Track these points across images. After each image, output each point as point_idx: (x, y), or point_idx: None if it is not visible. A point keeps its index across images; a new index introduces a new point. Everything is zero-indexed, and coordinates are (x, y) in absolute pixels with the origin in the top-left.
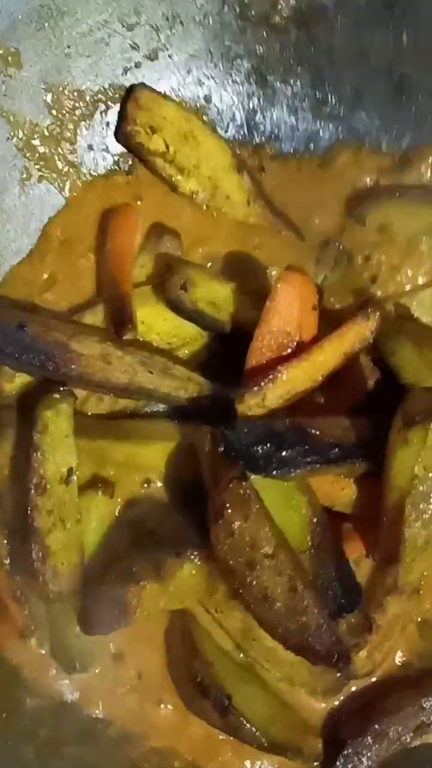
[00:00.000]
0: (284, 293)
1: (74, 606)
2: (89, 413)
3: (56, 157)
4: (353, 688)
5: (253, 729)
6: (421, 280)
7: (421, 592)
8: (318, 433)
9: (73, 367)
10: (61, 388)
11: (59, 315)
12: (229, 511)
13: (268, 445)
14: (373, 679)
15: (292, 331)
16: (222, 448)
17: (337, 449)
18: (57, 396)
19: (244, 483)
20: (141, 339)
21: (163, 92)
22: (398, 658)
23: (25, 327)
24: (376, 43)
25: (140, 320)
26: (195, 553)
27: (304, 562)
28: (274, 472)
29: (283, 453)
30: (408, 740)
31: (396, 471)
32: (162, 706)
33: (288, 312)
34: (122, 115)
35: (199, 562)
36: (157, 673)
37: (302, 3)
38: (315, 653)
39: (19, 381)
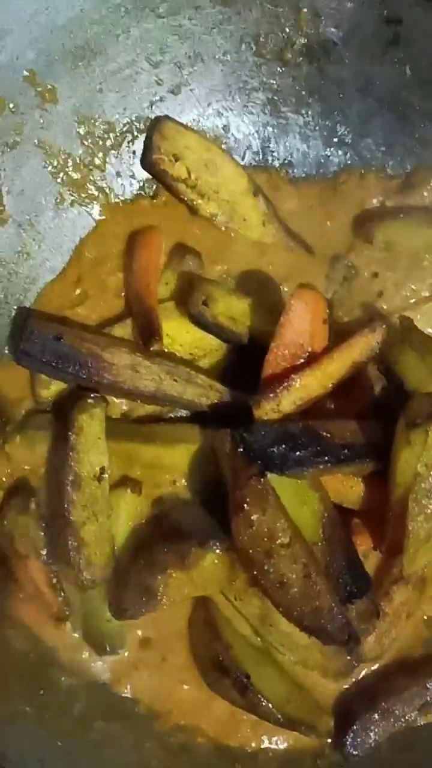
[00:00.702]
0: (297, 308)
1: (105, 593)
2: (118, 417)
3: (87, 183)
4: (363, 671)
5: (270, 706)
6: (424, 294)
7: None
8: (329, 435)
9: (105, 375)
10: (93, 395)
11: (91, 328)
12: (249, 505)
13: (284, 446)
14: (381, 663)
15: (304, 343)
16: (241, 449)
17: (346, 450)
18: (91, 401)
19: (262, 480)
20: (166, 350)
21: (185, 123)
22: (404, 643)
23: (62, 338)
24: (381, 75)
25: (165, 333)
26: (217, 543)
27: (317, 553)
28: (289, 471)
29: (297, 453)
30: (413, 718)
31: (400, 470)
32: (185, 686)
33: (300, 325)
34: (147, 145)
35: (221, 552)
36: (182, 656)
37: (312, 40)
38: (327, 634)
39: (54, 388)
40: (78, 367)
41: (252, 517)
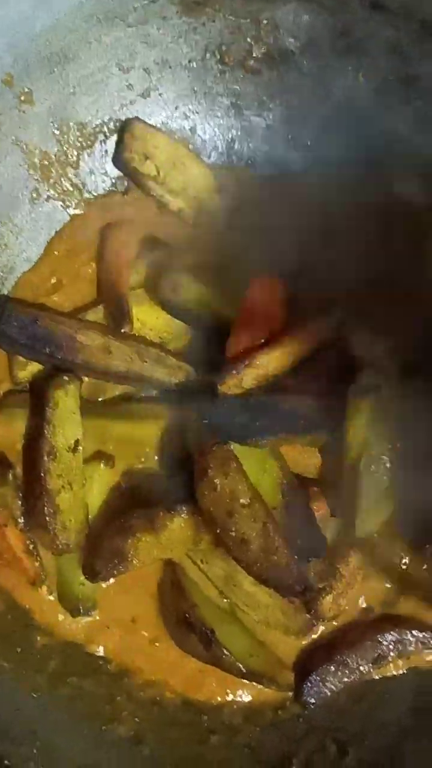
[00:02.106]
0: (256, 294)
1: (79, 558)
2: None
3: (62, 180)
4: (321, 629)
5: (233, 659)
6: None
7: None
8: (287, 408)
9: (79, 356)
10: (68, 374)
11: (65, 313)
12: (212, 470)
13: (245, 418)
14: (339, 622)
15: (263, 325)
16: (206, 421)
17: (303, 421)
18: (66, 378)
19: (224, 447)
20: (137, 334)
21: (154, 125)
22: (361, 604)
23: (38, 321)
24: (337, 82)
25: (136, 318)
26: (183, 507)
27: (276, 516)
28: (250, 440)
29: (257, 424)
30: (366, 670)
31: (351, 436)
32: (156, 644)
33: (259, 309)
34: (119, 144)
35: (186, 516)
36: (151, 616)
37: (272, 49)
38: (285, 586)
39: (30, 369)
40: (54, 348)
41: (215, 481)
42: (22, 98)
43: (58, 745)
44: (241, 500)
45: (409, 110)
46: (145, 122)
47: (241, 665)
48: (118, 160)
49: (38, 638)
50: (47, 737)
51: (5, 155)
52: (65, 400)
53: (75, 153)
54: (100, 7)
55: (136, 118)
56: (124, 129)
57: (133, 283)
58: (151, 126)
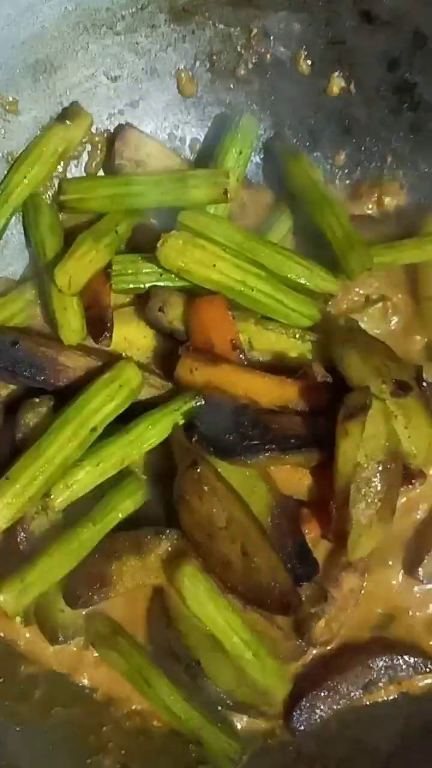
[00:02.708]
0: (205, 313)
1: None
2: None
3: (49, 192)
4: (312, 655)
5: (219, 690)
6: (369, 297)
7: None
8: (277, 427)
9: (61, 378)
10: (41, 396)
11: (47, 334)
12: (187, 493)
13: (234, 434)
14: (331, 648)
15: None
16: (195, 438)
17: (293, 440)
18: (36, 400)
19: (198, 470)
20: (124, 354)
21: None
22: (353, 629)
23: (18, 343)
24: (327, 91)
25: (123, 337)
26: (172, 531)
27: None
28: (239, 458)
29: (246, 442)
30: (357, 696)
31: (341, 460)
32: None
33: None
34: (111, 151)
35: (175, 540)
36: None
37: (263, 58)
38: (271, 605)
39: (12, 387)
40: (34, 371)
41: (192, 505)
42: (7, 108)
43: None
44: (218, 523)
45: (401, 119)
46: (138, 129)
47: (227, 699)
48: (109, 167)
49: (22, 667)
50: None
51: None
52: (36, 423)
53: (62, 163)
54: (87, 15)
55: (129, 124)
56: (116, 136)
57: (122, 302)
58: (144, 133)
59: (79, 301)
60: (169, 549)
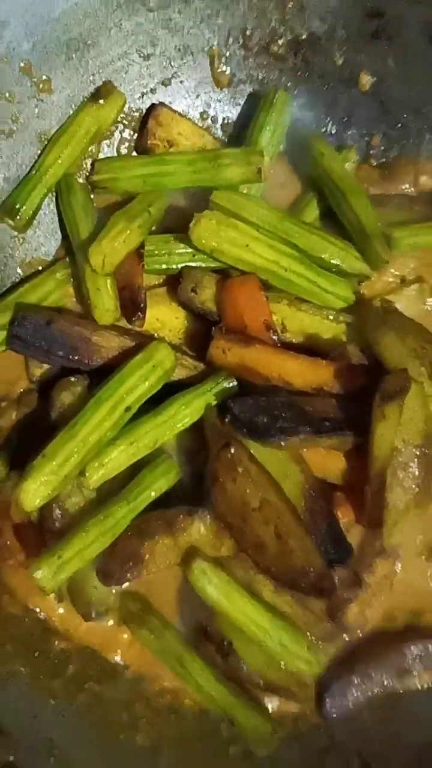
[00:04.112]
0: (238, 293)
1: (93, 560)
2: None
3: (81, 171)
4: (345, 639)
5: (250, 671)
6: (405, 278)
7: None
8: (311, 409)
9: (95, 358)
10: (76, 375)
11: (81, 315)
12: (221, 475)
13: (267, 416)
14: (364, 633)
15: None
16: (228, 419)
17: (327, 422)
18: (73, 379)
19: (231, 450)
20: (156, 335)
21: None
22: (386, 613)
23: (52, 323)
24: (364, 67)
25: (155, 318)
26: (205, 511)
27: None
28: (272, 439)
29: (280, 423)
30: (391, 684)
31: (377, 443)
32: None
33: (244, 307)
34: (142, 131)
35: (208, 520)
36: (172, 622)
37: (298, 33)
38: (304, 587)
39: (47, 366)
40: (68, 350)
41: (225, 486)
42: (41, 86)
43: (76, 755)
44: (252, 504)
45: None
46: (170, 108)
47: (259, 678)
48: (141, 146)
49: (56, 642)
50: (64, 746)
51: (23, 145)
52: (72, 402)
53: (94, 143)
54: None
55: (162, 103)
56: (148, 114)
57: (154, 282)
58: (176, 112)
59: (113, 282)
60: (202, 529)
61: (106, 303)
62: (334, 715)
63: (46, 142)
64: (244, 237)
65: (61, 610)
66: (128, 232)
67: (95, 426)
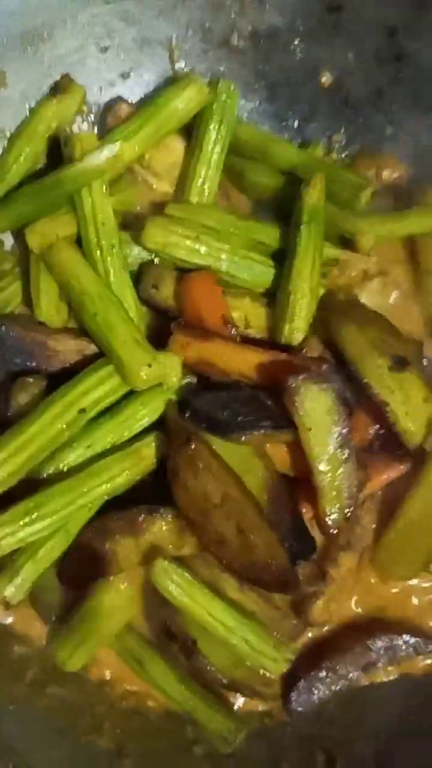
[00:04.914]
0: (195, 288)
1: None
2: None
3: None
4: (309, 635)
5: (215, 670)
6: (368, 272)
7: None
8: (272, 403)
9: (53, 363)
10: (34, 376)
11: (33, 319)
12: (181, 470)
13: (228, 410)
14: (329, 628)
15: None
16: (188, 414)
17: (288, 417)
18: (30, 380)
19: (191, 446)
20: None
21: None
22: (352, 607)
23: (5, 328)
24: (325, 61)
25: None
26: (167, 510)
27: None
28: (233, 434)
29: (240, 418)
30: (356, 677)
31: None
32: None
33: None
34: (102, 126)
35: (170, 519)
36: (134, 623)
37: (258, 27)
38: (268, 583)
39: None
40: (24, 357)
41: (187, 482)
42: None
43: (37, 761)
44: (213, 500)
45: (400, 90)
46: (129, 102)
47: (223, 677)
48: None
49: (15, 647)
50: (25, 753)
51: None
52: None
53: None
54: None
55: (120, 97)
56: (108, 110)
57: None
58: (135, 106)
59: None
60: (164, 528)
61: (51, 304)
62: (300, 710)
63: (0, 137)
64: (194, 233)
65: (20, 614)
66: (69, 215)
67: (45, 425)
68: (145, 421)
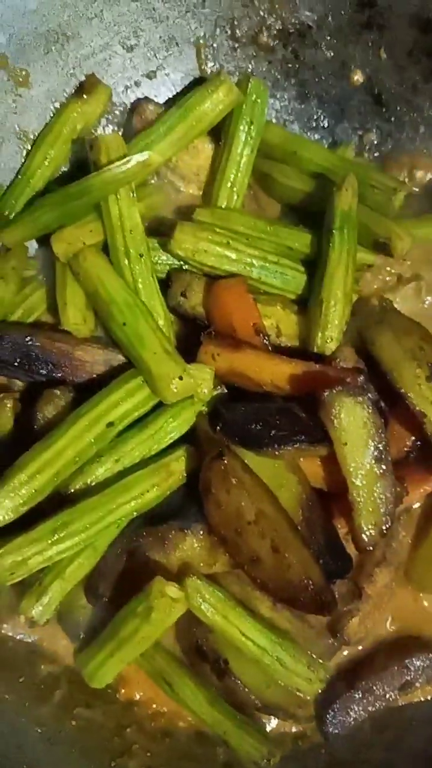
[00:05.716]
0: (224, 296)
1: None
2: None
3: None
4: (345, 653)
5: (247, 691)
6: (402, 276)
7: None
8: (306, 416)
9: (80, 374)
10: (61, 387)
11: (59, 329)
12: (214, 487)
13: (261, 424)
14: (364, 646)
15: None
16: (220, 427)
17: (324, 430)
18: (56, 392)
19: (224, 461)
20: None
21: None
22: (388, 626)
23: (32, 340)
24: (356, 59)
25: None
26: (198, 526)
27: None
28: (266, 449)
29: (274, 432)
30: (393, 697)
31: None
32: None
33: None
34: (128, 127)
35: (201, 535)
36: (165, 641)
37: (287, 24)
38: (302, 604)
39: None
40: (51, 368)
41: (219, 498)
42: (19, 80)
43: None
44: (247, 517)
45: None
46: (156, 103)
47: (256, 699)
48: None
49: (42, 666)
50: None
51: (2, 142)
52: (55, 417)
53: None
54: None
55: (146, 98)
56: (134, 110)
57: None
58: (162, 107)
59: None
60: (195, 545)
61: (80, 314)
62: (336, 732)
63: (24, 139)
64: (224, 239)
65: (50, 629)
66: (96, 223)
67: (72, 439)
68: (175, 434)
